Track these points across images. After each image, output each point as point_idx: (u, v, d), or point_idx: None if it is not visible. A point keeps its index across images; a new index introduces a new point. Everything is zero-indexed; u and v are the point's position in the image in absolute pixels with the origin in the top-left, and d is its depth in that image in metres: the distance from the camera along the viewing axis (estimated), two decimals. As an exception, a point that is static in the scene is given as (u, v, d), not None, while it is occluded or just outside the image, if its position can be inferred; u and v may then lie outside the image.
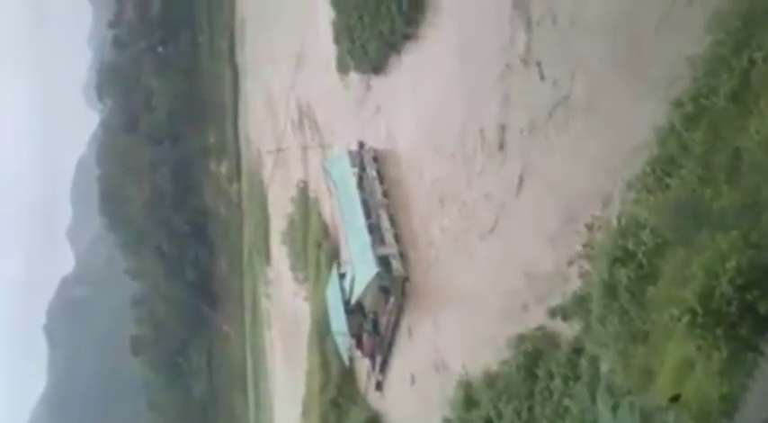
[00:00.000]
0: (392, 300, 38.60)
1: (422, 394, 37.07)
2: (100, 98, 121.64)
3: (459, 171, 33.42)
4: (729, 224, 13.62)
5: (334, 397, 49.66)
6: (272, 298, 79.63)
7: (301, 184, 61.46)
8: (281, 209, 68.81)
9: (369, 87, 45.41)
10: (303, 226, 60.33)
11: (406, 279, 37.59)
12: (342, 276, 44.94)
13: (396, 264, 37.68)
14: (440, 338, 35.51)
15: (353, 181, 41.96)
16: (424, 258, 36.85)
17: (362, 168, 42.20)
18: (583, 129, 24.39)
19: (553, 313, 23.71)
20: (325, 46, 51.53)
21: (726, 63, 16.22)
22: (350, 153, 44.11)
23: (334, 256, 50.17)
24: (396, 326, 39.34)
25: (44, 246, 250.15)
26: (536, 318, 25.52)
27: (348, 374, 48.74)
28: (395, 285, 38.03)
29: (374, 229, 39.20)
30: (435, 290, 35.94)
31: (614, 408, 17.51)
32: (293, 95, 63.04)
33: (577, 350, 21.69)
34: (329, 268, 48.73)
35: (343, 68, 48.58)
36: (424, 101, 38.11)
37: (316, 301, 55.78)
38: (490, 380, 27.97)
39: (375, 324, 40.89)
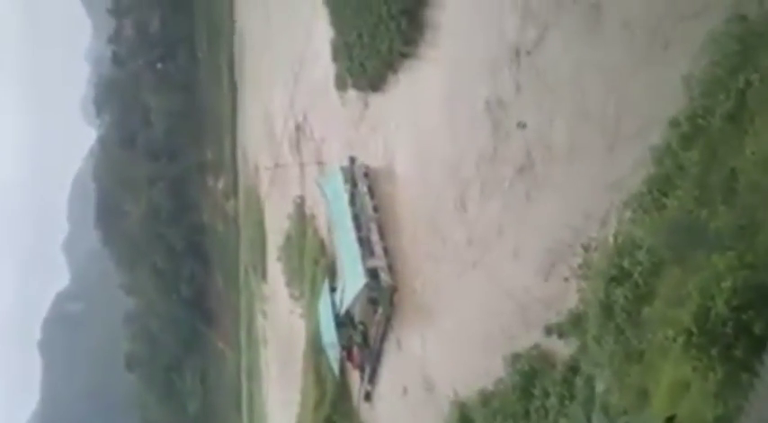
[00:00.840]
0: (380, 310, 39.65)
1: (413, 407, 37.37)
2: (98, 114, 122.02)
3: (450, 191, 33.52)
4: (725, 244, 13.63)
5: (328, 415, 49.47)
6: (267, 315, 79.39)
7: (298, 201, 61.44)
8: (277, 225, 68.75)
9: (366, 105, 45.56)
10: (300, 243, 60.26)
11: (394, 290, 38.54)
12: (333, 290, 45.91)
13: (384, 275, 38.68)
14: (428, 353, 35.95)
15: (345, 196, 42.94)
16: (412, 272, 37.56)
17: (354, 184, 43.11)
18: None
19: (549, 331, 23.67)
20: (323, 63, 51.74)
21: (722, 84, 16.32)
22: (342, 168, 44.93)
23: (331, 273, 50.31)
24: (384, 336, 40.31)
25: (39, 260, 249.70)
26: (531, 336, 25.45)
27: (343, 392, 48.61)
28: (383, 296, 38.99)
29: (364, 242, 40.12)
30: (424, 304, 36.54)
31: (610, 428, 17.46)
32: (291, 112, 63.19)
33: (573, 369, 21.64)
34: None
35: (341, 86, 48.76)
36: (418, 121, 38.27)
37: (311, 319, 55.73)
38: (485, 399, 27.89)
39: (365, 336, 41.82)
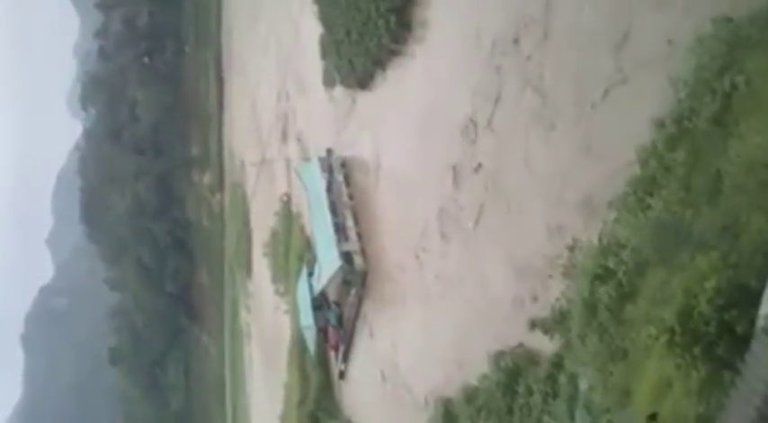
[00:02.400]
0: (354, 292, 42.64)
1: (390, 395, 38.93)
2: (84, 108, 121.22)
3: (432, 185, 33.69)
4: (709, 245, 13.77)
5: (312, 411, 49.58)
6: (252, 311, 79.31)
7: (285, 198, 61.41)
8: (263, 221, 68.66)
9: (354, 102, 45.58)
10: (286, 239, 60.25)
11: (366, 273, 41.45)
12: (310, 274, 48.31)
13: (357, 259, 41.51)
14: (399, 342, 37.94)
15: (323, 184, 45.23)
16: (384, 258, 39.97)
17: (331, 173, 45.45)
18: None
19: (533, 326, 23.81)
20: (311, 60, 51.67)
21: (708, 86, 16.45)
22: (320, 158, 47.37)
23: (309, 258, 51.71)
24: (357, 316, 43.28)
25: (23, 254, 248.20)
26: (515, 333, 25.59)
27: (326, 386, 48.78)
28: (356, 278, 41.91)
29: (339, 228, 42.62)
30: (394, 293, 38.84)
31: (592, 425, 17.60)
32: (278, 108, 63.11)
33: (557, 366, 21.79)
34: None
35: (329, 83, 48.73)
36: (406, 118, 38.36)
37: (296, 315, 55.83)
38: (469, 396, 28.04)
39: (339, 317, 44.63)
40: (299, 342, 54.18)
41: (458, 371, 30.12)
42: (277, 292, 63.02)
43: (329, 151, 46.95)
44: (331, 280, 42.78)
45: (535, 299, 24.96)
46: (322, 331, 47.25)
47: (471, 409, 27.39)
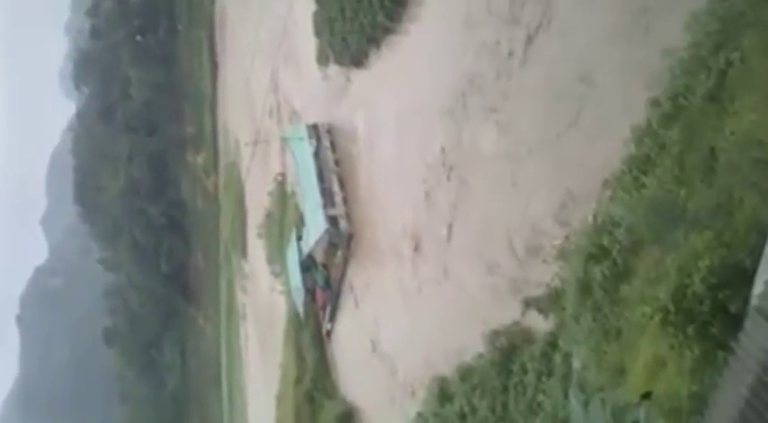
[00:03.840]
0: (340, 254, 44.36)
1: (381, 368, 39.75)
2: (76, 87, 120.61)
3: (423, 162, 33.61)
4: (703, 223, 13.69)
5: (308, 390, 49.75)
6: (247, 291, 79.38)
7: (279, 178, 61.24)
8: (258, 202, 68.55)
9: (349, 80, 45.37)
10: (281, 220, 60.17)
11: (351, 236, 43.28)
12: (299, 238, 50.21)
13: (343, 222, 43.33)
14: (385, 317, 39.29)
15: (310, 150, 46.55)
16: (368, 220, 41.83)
17: (318, 139, 46.92)
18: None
19: (527, 304, 23.81)
20: (305, 38, 51.34)
21: (704, 63, 16.31)
22: (307, 126, 48.72)
23: (298, 224, 52.74)
24: (343, 277, 45.35)
25: (18, 235, 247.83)
26: (508, 313, 25.62)
27: (323, 368, 48.96)
28: (342, 241, 43.72)
29: (326, 193, 44.28)
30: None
31: (586, 404, 17.61)
32: (272, 87, 62.80)
33: (551, 345, 21.80)
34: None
35: (322, 61, 48.45)
36: (399, 96, 38.21)
37: (285, 276, 55.98)
38: (464, 374, 28.12)
39: (326, 279, 46.55)
40: (294, 322, 54.31)
41: (451, 350, 30.16)
42: (272, 273, 63.02)
43: (315, 125, 48.56)
44: (318, 243, 44.47)
45: (529, 279, 24.95)
46: (310, 293, 49.25)
47: (466, 388, 27.47)
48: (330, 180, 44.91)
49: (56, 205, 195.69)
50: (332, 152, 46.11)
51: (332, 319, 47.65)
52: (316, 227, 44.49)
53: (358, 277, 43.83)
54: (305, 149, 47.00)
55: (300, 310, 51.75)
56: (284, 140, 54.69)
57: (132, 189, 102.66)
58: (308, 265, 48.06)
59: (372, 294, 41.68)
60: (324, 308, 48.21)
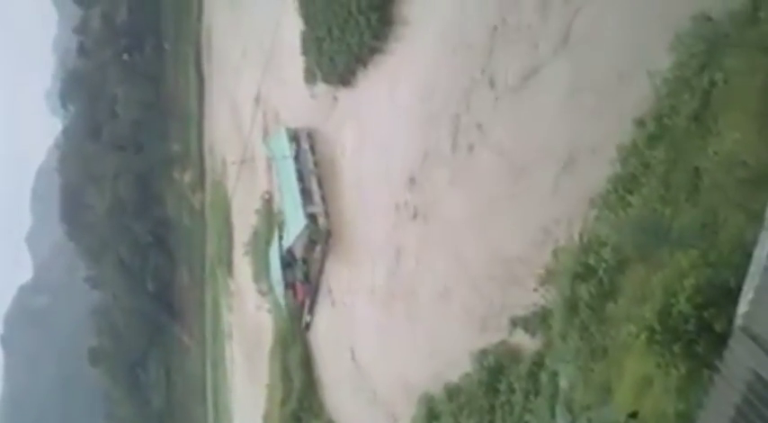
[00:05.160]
0: (318, 249, 46.63)
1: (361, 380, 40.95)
2: (63, 105, 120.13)
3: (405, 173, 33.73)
4: (688, 243, 13.78)
5: (295, 410, 49.44)
6: (233, 310, 78.89)
7: (266, 196, 61.08)
8: (244, 220, 68.29)
9: (336, 99, 45.53)
10: (267, 237, 59.94)
11: (329, 232, 45.59)
12: (281, 237, 52.23)
13: (322, 219, 45.80)
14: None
15: (291, 153, 48.74)
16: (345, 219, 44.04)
17: (298, 143, 49.16)
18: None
19: (514, 324, 23.82)
20: (292, 57, 51.41)
21: (688, 84, 16.48)
22: (287, 130, 50.98)
23: (280, 225, 54.34)
24: (321, 271, 47.70)
25: (2, 253, 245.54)
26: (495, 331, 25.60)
27: (310, 387, 48.74)
28: (320, 237, 46.03)
29: (305, 192, 46.73)
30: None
31: (573, 423, 17.60)
32: (259, 105, 62.77)
33: (538, 364, 21.79)
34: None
35: (310, 79, 48.60)
36: (386, 115, 38.37)
37: (278, 313, 55.89)
38: (451, 393, 28.03)
39: (306, 274, 48.78)
40: (281, 341, 54.06)
41: (440, 368, 30.09)
42: (259, 291, 62.71)
43: (295, 130, 50.80)
44: (298, 238, 46.74)
45: (516, 295, 24.96)
46: (291, 287, 51.21)
47: (453, 407, 27.39)
48: (309, 180, 47.22)
49: (41, 223, 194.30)
50: (311, 154, 48.27)
51: (311, 311, 49.80)
52: (296, 223, 46.72)
53: (336, 279, 45.92)
54: (285, 152, 49.27)
55: (282, 303, 53.61)
56: (266, 144, 57.07)
57: (118, 207, 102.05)
58: (288, 261, 50.01)
59: (350, 303, 43.36)
60: (303, 302, 50.28)
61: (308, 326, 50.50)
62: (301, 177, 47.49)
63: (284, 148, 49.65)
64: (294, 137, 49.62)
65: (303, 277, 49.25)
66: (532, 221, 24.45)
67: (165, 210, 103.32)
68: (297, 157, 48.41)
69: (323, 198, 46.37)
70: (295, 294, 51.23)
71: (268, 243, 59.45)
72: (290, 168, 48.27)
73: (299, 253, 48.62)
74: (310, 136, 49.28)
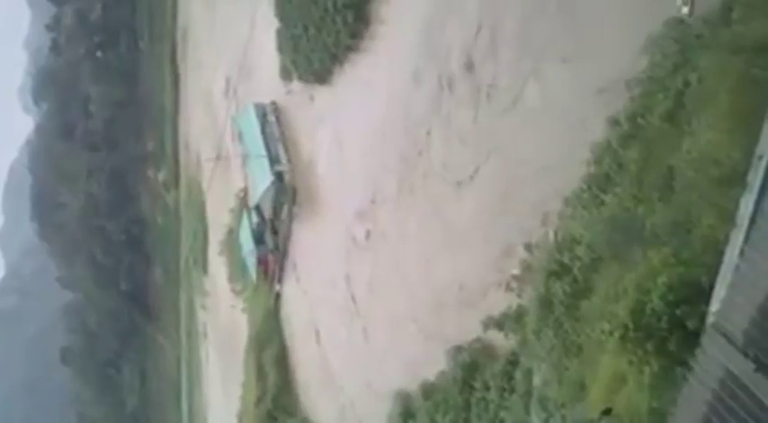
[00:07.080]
0: (286, 208, 48.02)
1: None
2: (35, 103, 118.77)
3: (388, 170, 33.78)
4: (661, 241, 13.92)
5: (270, 409, 49.24)
6: (208, 309, 78.46)
7: (241, 194, 60.79)
8: (219, 218, 67.96)
9: (311, 97, 45.42)
10: (239, 224, 59.62)
11: (296, 190, 47.08)
12: (249, 212, 53.69)
13: (288, 177, 47.29)
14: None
15: (258, 125, 49.98)
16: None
17: (265, 117, 50.44)
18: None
19: (487, 325, 23.91)
20: (268, 55, 51.29)
21: (661, 84, 16.64)
22: (255, 105, 51.96)
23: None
24: (289, 235, 49.18)
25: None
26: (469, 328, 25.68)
27: (284, 386, 48.57)
28: (287, 195, 47.55)
29: (272, 156, 48.10)
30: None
31: (547, 420, 17.71)
32: (234, 103, 62.46)
33: (513, 362, 21.91)
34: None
35: (286, 77, 48.51)
36: (363, 114, 38.36)
37: (253, 313, 55.67)
38: (427, 391, 28.09)
39: (276, 244, 50.21)
40: (256, 340, 53.86)
41: (414, 368, 30.16)
42: (233, 291, 62.44)
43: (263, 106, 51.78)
44: (265, 193, 48.32)
45: (489, 292, 25.08)
46: (262, 263, 52.32)
47: (429, 405, 27.45)
48: (276, 148, 48.65)
49: (12, 222, 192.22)
50: (277, 126, 49.70)
51: (280, 280, 51.11)
52: (263, 181, 48.23)
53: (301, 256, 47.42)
54: (253, 127, 50.42)
55: (253, 274, 54.89)
56: (234, 121, 58.09)
57: (91, 206, 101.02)
58: (259, 235, 51.41)
59: (315, 281, 44.71)
60: (274, 273, 51.50)
61: (278, 296, 51.46)
62: (268, 147, 48.72)
63: (252, 122, 50.93)
64: (262, 112, 51.04)
65: (273, 246, 50.45)
66: (509, 220, 24.59)
67: (139, 208, 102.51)
68: (263, 130, 49.72)
69: (289, 160, 47.80)
70: (266, 271, 52.22)
71: (239, 223, 59.46)
72: (257, 137, 49.62)
73: (267, 213, 50.05)
74: (276, 109, 50.81)
